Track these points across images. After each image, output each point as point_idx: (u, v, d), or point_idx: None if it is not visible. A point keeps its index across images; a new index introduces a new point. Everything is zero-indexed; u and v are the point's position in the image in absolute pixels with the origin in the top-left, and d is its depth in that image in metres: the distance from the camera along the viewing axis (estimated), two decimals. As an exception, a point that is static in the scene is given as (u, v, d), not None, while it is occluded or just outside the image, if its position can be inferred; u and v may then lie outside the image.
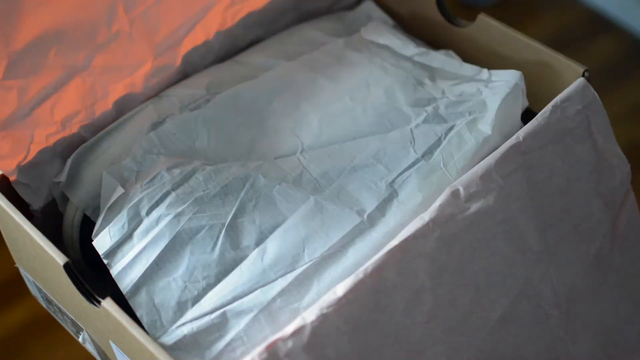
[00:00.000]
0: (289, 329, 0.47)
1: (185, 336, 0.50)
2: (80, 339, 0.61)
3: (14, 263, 0.65)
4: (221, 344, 0.50)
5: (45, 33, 0.57)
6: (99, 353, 0.61)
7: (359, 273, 0.48)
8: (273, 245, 0.53)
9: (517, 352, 0.55)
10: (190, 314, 0.51)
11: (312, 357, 0.47)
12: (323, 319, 0.47)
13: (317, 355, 0.47)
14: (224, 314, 0.51)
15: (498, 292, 0.53)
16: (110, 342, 0.54)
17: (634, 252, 0.61)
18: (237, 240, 0.53)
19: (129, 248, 0.54)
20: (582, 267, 0.58)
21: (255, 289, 0.51)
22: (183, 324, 0.51)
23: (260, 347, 0.47)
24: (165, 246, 0.53)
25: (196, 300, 0.51)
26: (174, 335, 0.50)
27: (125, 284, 0.52)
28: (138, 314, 0.51)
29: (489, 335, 0.53)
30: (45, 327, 1.00)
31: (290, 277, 0.51)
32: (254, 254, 0.52)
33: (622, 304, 0.56)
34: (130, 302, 0.52)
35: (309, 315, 0.47)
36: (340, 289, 0.48)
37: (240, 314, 0.51)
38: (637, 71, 1.38)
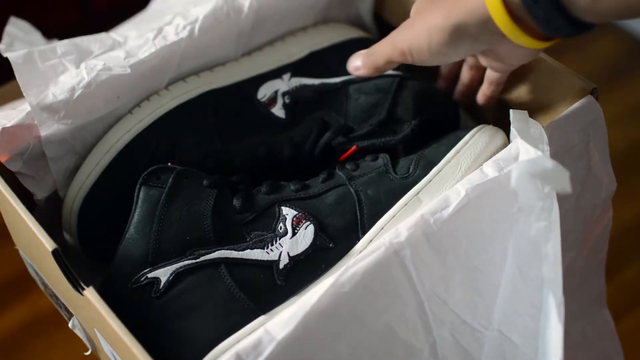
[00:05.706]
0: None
1: None
2: (70, 324, 0.62)
3: (14, 245, 0.66)
4: None
5: None
6: (87, 339, 0.61)
7: None
8: None
9: None
10: None
11: None
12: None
13: None
14: None
15: None
16: (95, 329, 0.55)
17: (595, 260, 0.62)
18: None
19: None
20: None
21: None
22: None
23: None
24: None
25: None
26: None
27: None
28: None
29: None
30: (45, 326, 1.01)
31: None
32: None
33: (571, 303, 0.56)
34: None
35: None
36: None
37: None
38: (637, 71, 1.36)
